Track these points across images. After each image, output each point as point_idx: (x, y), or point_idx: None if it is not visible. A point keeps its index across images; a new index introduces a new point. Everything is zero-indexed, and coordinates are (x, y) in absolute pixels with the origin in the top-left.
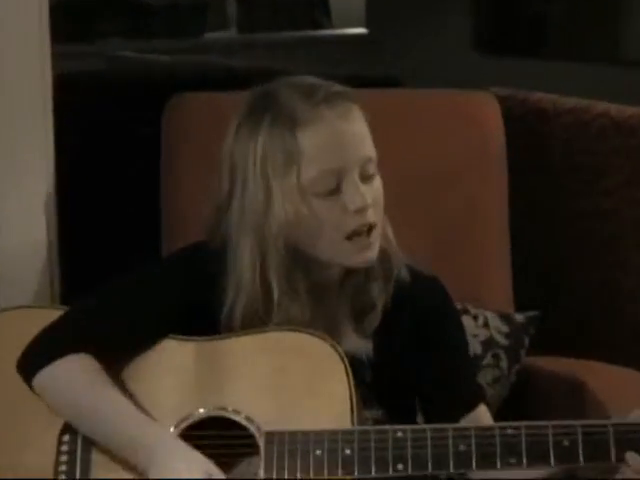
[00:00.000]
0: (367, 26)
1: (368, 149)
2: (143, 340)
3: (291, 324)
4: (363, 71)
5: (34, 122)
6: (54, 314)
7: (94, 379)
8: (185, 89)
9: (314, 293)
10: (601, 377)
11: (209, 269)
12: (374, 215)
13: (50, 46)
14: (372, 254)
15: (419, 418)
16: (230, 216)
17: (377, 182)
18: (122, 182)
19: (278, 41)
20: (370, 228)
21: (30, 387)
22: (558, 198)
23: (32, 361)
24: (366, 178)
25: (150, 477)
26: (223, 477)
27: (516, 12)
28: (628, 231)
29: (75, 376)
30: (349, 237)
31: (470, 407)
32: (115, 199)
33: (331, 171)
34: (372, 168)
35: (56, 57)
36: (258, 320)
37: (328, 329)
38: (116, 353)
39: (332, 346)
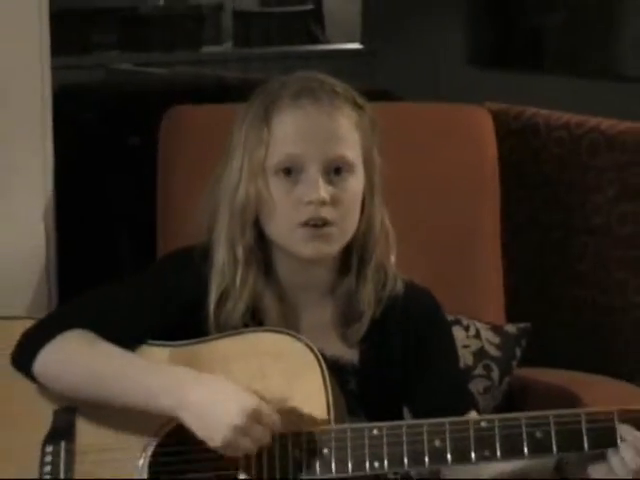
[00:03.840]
0: (362, 41)
1: (340, 149)
2: (132, 338)
3: (272, 321)
4: (357, 85)
5: (34, 132)
6: None
7: (98, 343)
8: (181, 101)
9: (301, 296)
10: (592, 389)
11: (198, 266)
12: (333, 212)
13: (50, 58)
14: (326, 248)
15: None
16: (218, 188)
17: (349, 184)
18: (119, 192)
19: (273, 55)
20: (325, 223)
21: (30, 376)
22: (551, 213)
23: (28, 348)
24: (332, 175)
25: (186, 421)
26: (275, 417)
27: (512, 26)
28: (617, 247)
29: (78, 344)
30: (302, 225)
31: (459, 413)
32: (112, 209)
33: (294, 156)
34: (344, 170)
35: (55, 69)
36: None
37: (313, 334)
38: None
39: (307, 345)
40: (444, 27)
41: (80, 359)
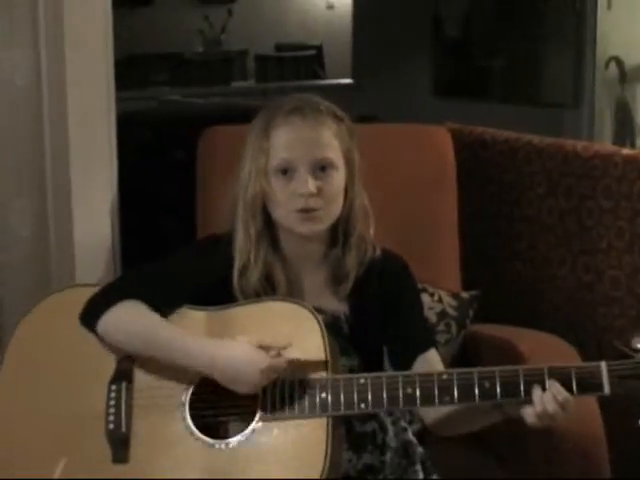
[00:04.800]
0: (352, 77)
1: (323, 152)
2: (174, 302)
3: (280, 285)
4: (349, 111)
5: (103, 149)
6: None
7: (149, 314)
8: (215, 123)
9: (302, 263)
10: (527, 340)
11: (224, 249)
12: (319, 201)
13: (114, 92)
14: (316, 227)
15: (386, 362)
16: (236, 186)
17: (332, 178)
18: (168, 193)
19: (285, 88)
20: (314, 209)
21: (94, 332)
22: (495, 206)
23: (93, 310)
24: (318, 172)
25: (216, 377)
26: (282, 360)
27: (465, 67)
28: (545, 232)
29: (133, 313)
30: (297, 211)
31: (424, 350)
32: (162, 205)
33: (288, 160)
34: (328, 167)
35: (119, 100)
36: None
37: (312, 292)
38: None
39: (310, 311)
40: (415, 67)
41: (133, 326)
